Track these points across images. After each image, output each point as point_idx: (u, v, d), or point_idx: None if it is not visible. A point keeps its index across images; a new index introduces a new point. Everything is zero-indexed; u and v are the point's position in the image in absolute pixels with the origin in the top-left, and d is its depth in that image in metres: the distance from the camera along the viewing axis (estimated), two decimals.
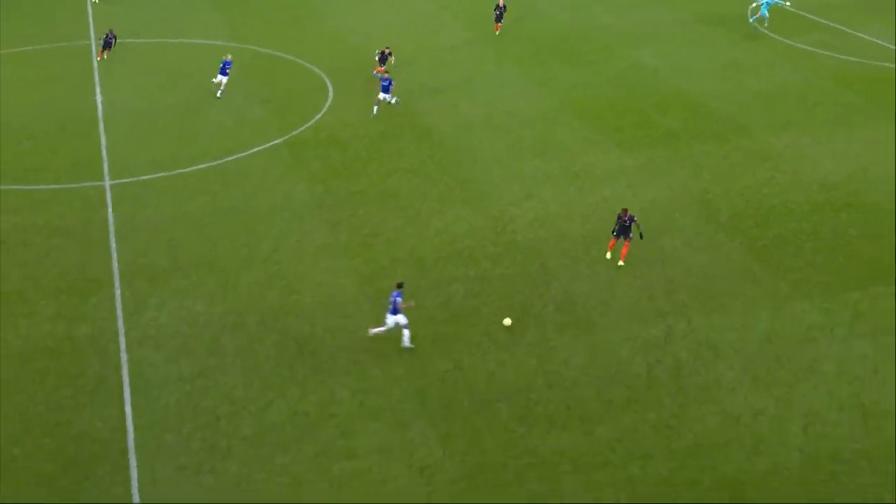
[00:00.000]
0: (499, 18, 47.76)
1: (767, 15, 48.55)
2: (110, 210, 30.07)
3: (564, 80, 41.64)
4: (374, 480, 19.71)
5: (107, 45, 43.43)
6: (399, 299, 23.28)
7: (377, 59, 40.75)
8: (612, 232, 26.99)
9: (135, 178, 32.19)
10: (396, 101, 37.62)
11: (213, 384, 22.38)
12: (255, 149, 34.51)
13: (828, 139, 35.24)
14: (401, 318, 23.41)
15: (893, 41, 46.16)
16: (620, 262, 26.88)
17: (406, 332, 23.49)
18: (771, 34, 47.73)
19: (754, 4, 50.43)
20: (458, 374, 22.73)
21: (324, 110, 38.12)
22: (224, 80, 38.88)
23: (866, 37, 47.09)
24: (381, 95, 37.27)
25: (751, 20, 48.93)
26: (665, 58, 44.65)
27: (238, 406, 21.70)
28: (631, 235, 26.72)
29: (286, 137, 35.47)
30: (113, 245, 28.07)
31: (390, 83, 37.10)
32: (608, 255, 27.17)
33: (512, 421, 21.20)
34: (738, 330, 24.09)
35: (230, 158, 33.70)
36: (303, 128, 36.42)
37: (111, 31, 43.78)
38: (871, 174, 32.28)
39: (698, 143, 35.08)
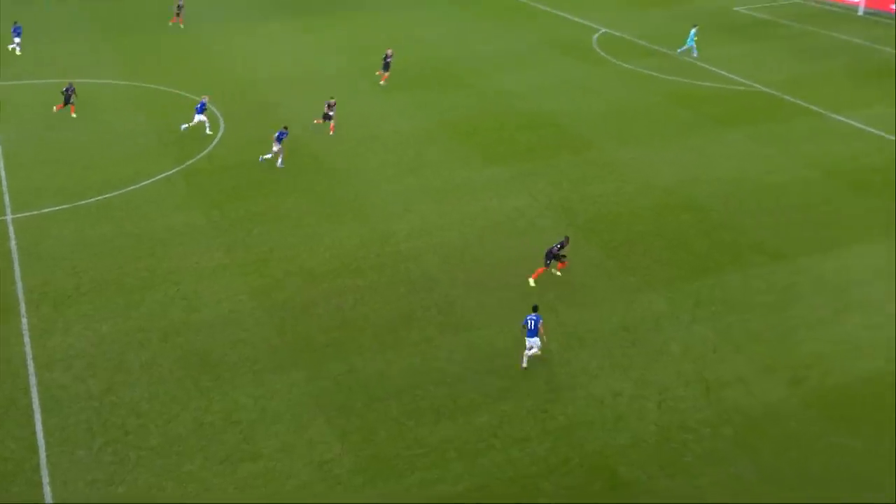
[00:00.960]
0: (386, 67, 44.57)
1: (693, 46, 49.06)
2: (13, 241, 28.46)
3: (440, 104, 41.75)
4: (278, 478, 19.18)
5: (67, 98, 38.61)
6: (539, 321, 21.92)
7: (326, 108, 37.46)
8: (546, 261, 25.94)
9: (37, 211, 30.58)
10: (281, 163, 33.97)
11: (121, 400, 21.39)
12: (154, 178, 33.30)
13: (666, 150, 36.37)
14: (536, 341, 22.01)
15: (716, 65, 48.04)
16: (531, 281, 26.04)
17: (530, 353, 22.06)
18: (612, 59, 49.04)
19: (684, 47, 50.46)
20: (351, 375, 22.38)
21: (216, 140, 37.10)
22: (198, 119, 36.58)
23: (694, 61, 48.89)
24: (276, 145, 33.78)
25: (679, 50, 49.58)
26: (523, 82, 45.30)
27: (145, 419, 20.79)
28: (549, 263, 25.94)
29: (182, 167, 34.35)
30: (17, 274, 26.56)
31: (284, 135, 33.92)
32: (531, 281, 26.03)
33: (402, 415, 20.98)
34: (597, 321, 24.52)
35: (129, 189, 32.41)
36: (197, 157, 35.34)
37: (70, 84, 39.35)
38: (702, 179, 33.45)
39: (555, 156, 35.68)
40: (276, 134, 34.34)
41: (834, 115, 40.03)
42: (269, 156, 34.34)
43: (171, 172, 33.80)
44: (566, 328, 24.21)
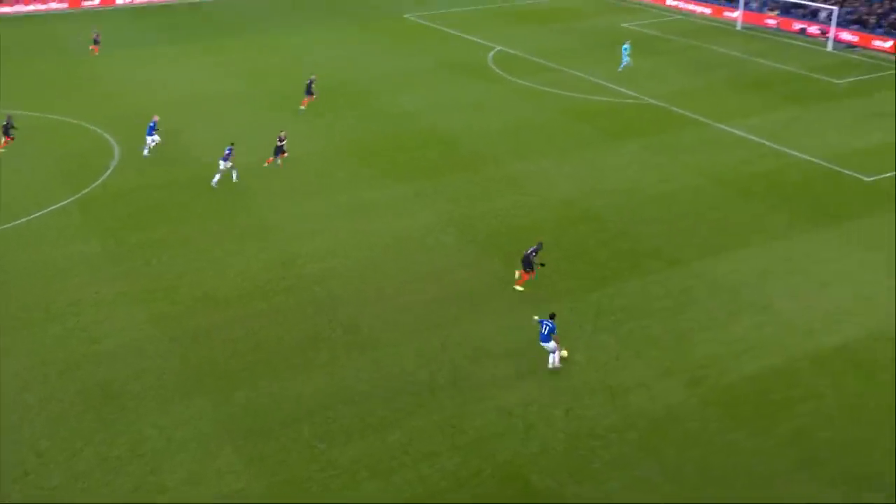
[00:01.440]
0: (309, 92, 43.60)
1: (629, 61, 50.65)
2: None
3: (343, 125, 41.55)
4: None
5: (6, 132, 36.91)
6: (552, 326, 22.67)
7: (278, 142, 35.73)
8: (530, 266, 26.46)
9: None
10: (236, 176, 34.21)
11: (20, 438, 20.40)
12: (48, 209, 32.03)
13: (563, 163, 37.10)
14: (551, 344, 22.74)
15: (605, 79, 49.37)
16: (518, 287, 26.53)
17: (555, 355, 22.88)
18: (508, 76, 49.83)
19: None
20: (259, 400, 21.94)
21: (111, 168, 35.99)
22: (150, 140, 36.71)
23: (586, 76, 50.15)
24: (222, 164, 33.70)
25: (620, 69, 50.76)
26: (422, 100, 45.57)
27: (45, 458, 19.88)
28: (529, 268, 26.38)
29: (77, 196, 33.17)
30: None
31: (231, 152, 33.77)
32: (518, 288, 26.52)
33: (313, 438, 20.67)
34: (503, 333, 24.73)
35: (23, 220, 31.08)
36: (92, 186, 34.20)
37: (9, 117, 37.57)
38: (599, 190, 34.24)
39: (456, 173, 35.95)
40: (225, 152, 34.15)
41: (718, 125, 41.63)
42: (218, 177, 34.19)
43: (66, 202, 32.61)
44: (472, 341, 24.34)
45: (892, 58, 54.63)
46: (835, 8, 58.12)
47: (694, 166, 36.57)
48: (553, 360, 23.00)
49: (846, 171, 35.88)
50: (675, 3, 71.01)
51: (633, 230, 30.83)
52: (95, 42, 55.26)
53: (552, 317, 23.18)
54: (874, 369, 23.03)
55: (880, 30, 57.61)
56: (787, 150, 38.29)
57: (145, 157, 36.81)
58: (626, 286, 27.16)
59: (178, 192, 33.85)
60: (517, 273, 27.11)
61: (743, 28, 62.39)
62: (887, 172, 35.74)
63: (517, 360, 23.53)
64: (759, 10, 64.84)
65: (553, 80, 49.29)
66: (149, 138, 36.94)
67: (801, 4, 62.94)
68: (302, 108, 43.63)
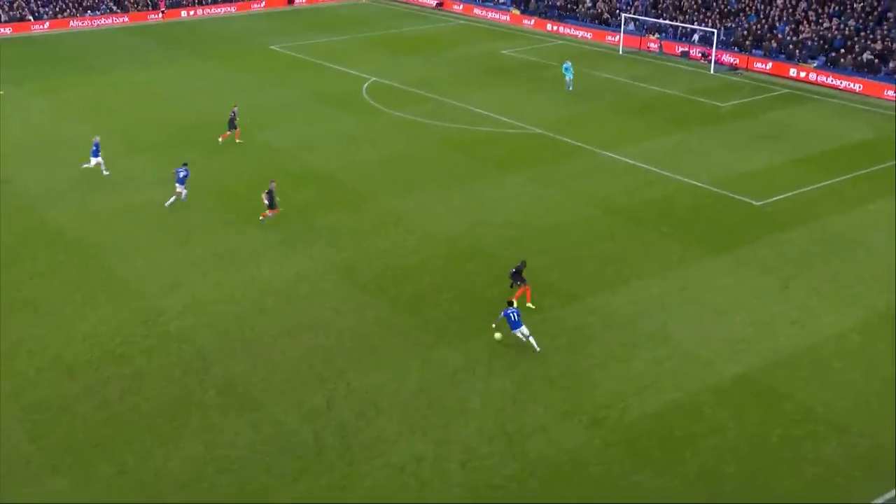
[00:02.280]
0: (232, 125, 43.59)
1: (571, 78, 53.93)
2: None
3: (200, 166, 40.89)
4: None
5: None
6: (516, 314, 25.63)
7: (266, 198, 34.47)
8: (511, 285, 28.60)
9: None
10: (186, 196, 36.02)
11: None
12: None
13: (446, 197, 37.64)
14: (524, 329, 25.83)
15: (486, 108, 50.57)
16: (529, 304, 28.40)
17: (532, 340, 25.89)
18: (383, 108, 50.37)
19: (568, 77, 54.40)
20: (124, 476, 21.13)
21: None
22: (95, 161, 39.23)
23: (466, 106, 51.22)
24: (178, 188, 35.77)
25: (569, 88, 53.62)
26: (291, 136, 45.48)
27: None
28: (522, 282, 28.44)
29: None
30: None
31: (187, 174, 35.80)
32: (530, 305, 28.30)
33: None
34: (393, 384, 24.72)
35: None
36: None
37: None
38: (486, 224, 34.87)
39: (333, 213, 35.94)
40: (181, 174, 35.80)
41: (605, 153, 43.21)
42: (173, 199, 35.94)
43: None
44: (358, 395, 24.21)
45: (774, 79, 58.18)
46: (714, 30, 61.57)
47: (583, 196, 37.76)
48: (533, 342, 25.90)
49: (736, 196, 37.80)
50: (554, 29, 73.64)
51: (528, 265, 31.44)
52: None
53: (510, 304, 26.28)
54: (775, 398, 24.17)
55: (759, 51, 61.32)
56: (676, 176, 40.06)
57: (106, 175, 39.30)
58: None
59: (14, 248, 32.50)
60: (517, 293, 28.37)
61: (625, 52, 65.20)
62: (776, 195, 37.85)
63: (408, 411, 23.53)
64: (640, 33, 67.98)
65: (431, 110, 50.12)
66: (93, 159, 39.25)
67: (681, 27, 66.38)
68: (220, 140, 43.82)
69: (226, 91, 54.50)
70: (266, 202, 34.54)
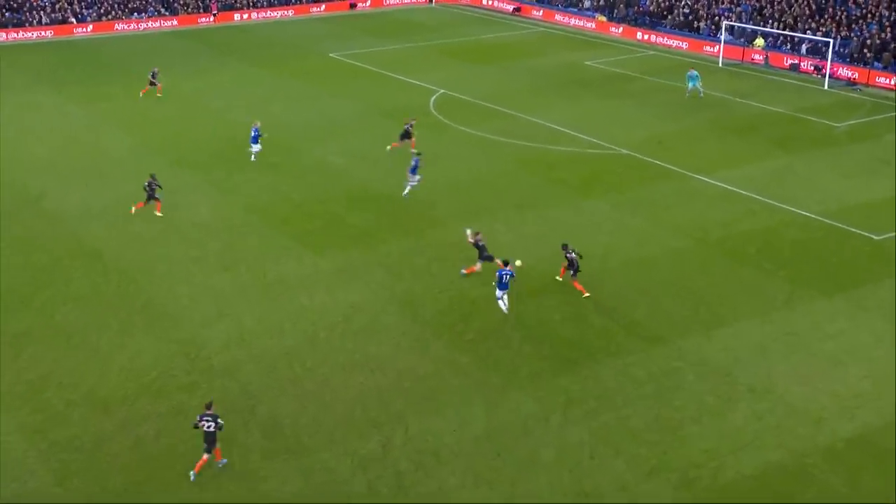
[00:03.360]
0: (407, 136, 45.11)
1: (698, 87, 55.51)
2: None
3: (248, 186, 41.67)
4: None
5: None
6: (508, 276, 29.88)
7: None
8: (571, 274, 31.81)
9: None
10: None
11: None
12: None
13: (519, 223, 37.66)
14: (505, 296, 30.05)
15: (566, 125, 50.58)
16: (585, 294, 31.22)
17: (504, 304, 30.18)
18: (452, 124, 50.75)
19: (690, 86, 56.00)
20: None
21: None
22: (256, 148, 43.82)
23: (544, 122, 51.31)
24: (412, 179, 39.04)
25: (688, 94, 55.65)
26: (350, 153, 46.07)
27: None
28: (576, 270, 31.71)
29: None
30: None
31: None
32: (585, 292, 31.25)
33: None
34: (456, 431, 24.71)
35: None
36: None
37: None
38: (561, 254, 34.63)
39: (395, 239, 36.22)
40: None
41: (700, 177, 42.82)
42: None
43: None
44: (416, 442, 24.26)
45: None
46: (829, 40, 60.74)
47: (675, 226, 37.44)
48: (504, 305, 30.04)
49: (852, 229, 37.09)
50: (646, 38, 73.49)
51: (607, 303, 31.28)
52: (153, 80, 56.13)
53: (506, 264, 30.22)
54: None
55: (881, 64, 60.25)
56: (782, 205, 39.49)
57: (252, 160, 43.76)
58: (600, 370, 27.45)
59: (50, 270, 33.43)
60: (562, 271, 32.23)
61: (725, 64, 64.71)
62: None
63: (472, 462, 23.49)
64: (745, 44, 67.42)
65: (506, 127, 50.31)
66: (253, 146, 43.62)
67: (791, 36, 65.66)
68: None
69: (278, 102, 55.48)
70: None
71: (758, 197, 40.47)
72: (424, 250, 35.32)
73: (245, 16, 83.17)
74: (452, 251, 35.12)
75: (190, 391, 26.38)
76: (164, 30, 78.96)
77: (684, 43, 70.58)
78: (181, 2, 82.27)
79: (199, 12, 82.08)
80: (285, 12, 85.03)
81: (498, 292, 30.09)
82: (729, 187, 41.63)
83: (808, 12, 67.46)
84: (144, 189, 37.91)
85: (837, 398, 26.12)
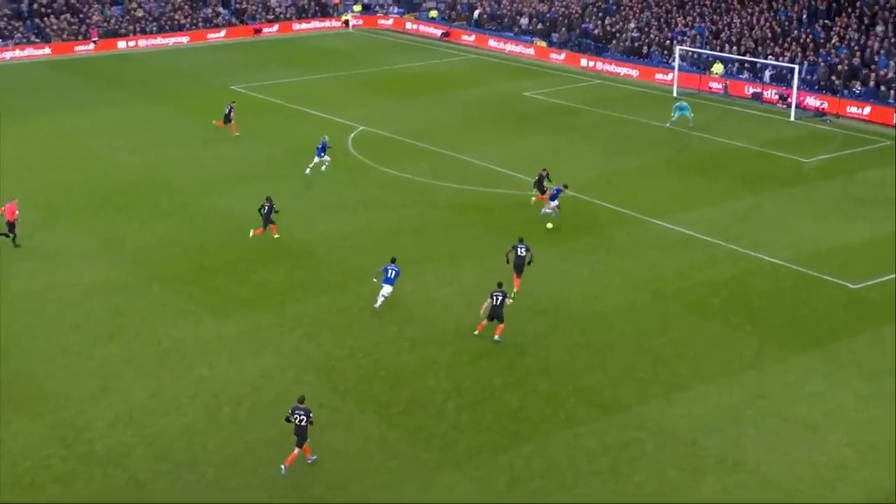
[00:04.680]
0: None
1: (689, 116, 57.09)
2: None
3: (137, 239, 41.21)
4: None
5: None
6: (394, 272, 34.16)
7: None
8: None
9: None
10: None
11: None
12: None
13: (454, 277, 37.71)
14: (390, 288, 34.10)
15: (504, 164, 51.02)
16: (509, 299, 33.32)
17: (385, 296, 34.19)
18: (375, 165, 50.90)
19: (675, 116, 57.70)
20: None
21: None
22: (318, 159, 48.77)
23: (477, 161, 51.68)
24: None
25: (669, 124, 57.39)
26: (257, 201, 45.74)
27: None
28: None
29: None
30: None
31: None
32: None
33: None
34: None
35: None
36: None
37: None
38: (512, 309, 34.81)
39: (310, 297, 36.02)
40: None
41: (657, 221, 43.42)
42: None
43: None
44: None
45: (873, 127, 58.66)
46: (795, 66, 62.37)
47: (630, 277, 37.82)
48: (379, 302, 33.99)
49: (826, 277, 37.82)
50: (590, 65, 74.81)
51: (556, 364, 31.38)
52: (228, 116, 56.35)
53: (393, 261, 34.49)
54: None
55: (854, 92, 62.02)
56: (748, 252, 40.17)
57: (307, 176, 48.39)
58: (548, 442, 27.43)
59: None
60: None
61: (680, 94, 66.05)
62: (878, 277, 37.84)
63: None
64: (701, 71, 68.98)
65: (435, 167, 50.58)
66: (317, 158, 48.75)
67: (752, 62, 67.32)
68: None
69: (175, 141, 55.22)
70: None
71: (721, 243, 41.13)
72: (345, 309, 35.15)
73: (131, 43, 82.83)
74: (379, 309, 34.99)
75: (66, 483, 25.73)
76: (34, 59, 78.34)
77: (634, 70, 72.00)
78: (54, 27, 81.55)
79: (77, 39, 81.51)
80: (179, 39, 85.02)
81: (382, 287, 34.31)
82: (688, 232, 42.26)
83: (770, 35, 69.34)
84: (259, 212, 40.84)
85: (816, 468, 26.40)
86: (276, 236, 40.87)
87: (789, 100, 61.93)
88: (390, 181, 48.75)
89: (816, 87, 63.54)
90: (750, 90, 65.73)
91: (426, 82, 70.97)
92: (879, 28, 66.30)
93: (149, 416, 28.66)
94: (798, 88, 61.74)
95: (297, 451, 25.97)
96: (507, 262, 35.96)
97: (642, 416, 28.70)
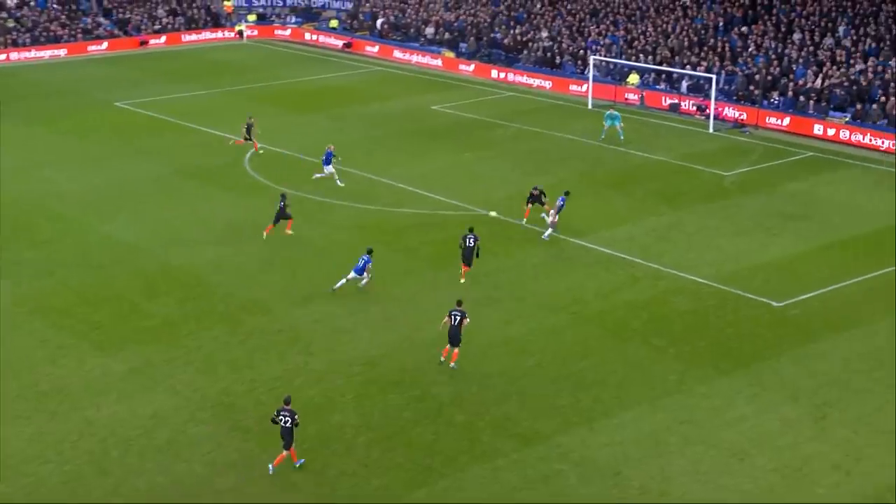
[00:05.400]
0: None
1: (619, 128, 57.59)
2: None
3: (12, 270, 40.38)
4: None
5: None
6: (369, 262, 37.79)
7: None
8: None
9: None
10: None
11: None
12: None
13: (361, 305, 37.58)
14: (365, 276, 37.96)
15: (412, 182, 51.14)
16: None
17: (352, 280, 37.81)
18: (274, 185, 50.63)
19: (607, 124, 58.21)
20: None
21: None
22: (327, 171, 50.08)
23: (382, 179, 51.71)
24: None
25: (603, 136, 57.83)
26: (147, 226, 45.26)
27: None
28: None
29: None
30: None
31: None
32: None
33: None
34: None
35: None
36: None
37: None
38: (416, 342, 34.84)
39: (205, 329, 35.61)
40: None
41: (574, 240, 43.77)
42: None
43: None
44: None
45: (793, 139, 60.00)
46: (712, 76, 63.58)
47: (547, 299, 38.07)
48: (364, 282, 38.07)
49: (749, 295, 38.50)
50: (502, 76, 75.42)
51: (470, 395, 31.43)
52: (248, 132, 55.56)
53: (370, 252, 37.95)
54: None
55: (772, 102, 63.41)
56: (669, 270, 40.73)
57: (340, 186, 49.85)
58: (465, 477, 27.44)
59: None
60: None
61: (596, 106, 66.82)
62: (803, 294, 38.63)
63: None
64: (618, 81, 69.95)
65: (337, 187, 50.44)
66: (326, 169, 49.96)
67: (669, 72, 68.47)
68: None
69: (53, 164, 54.29)
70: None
71: (640, 261, 41.65)
72: (244, 341, 34.84)
73: (2, 56, 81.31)
74: (280, 340, 34.73)
75: None
76: None
77: (547, 82, 72.74)
78: None
79: None
80: (56, 52, 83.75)
81: (354, 276, 37.87)
82: (606, 251, 42.72)
83: (686, 44, 70.63)
84: (280, 209, 43.38)
85: (743, 496, 26.78)
86: (290, 233, 43.62)
87: (707, 111, 63.07)
88: (292, 201, 48.42)
89: (734, 98, 64.79)
90: (667, 101, 66.80)
91: (327, 96, 70.82)
92: (797, 36, 67.95)
93: (26, 464, 28.04)
94: (716, 99, 62.88)
95: (284, 452, 27.31)
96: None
97: (564, 447, 28.89)
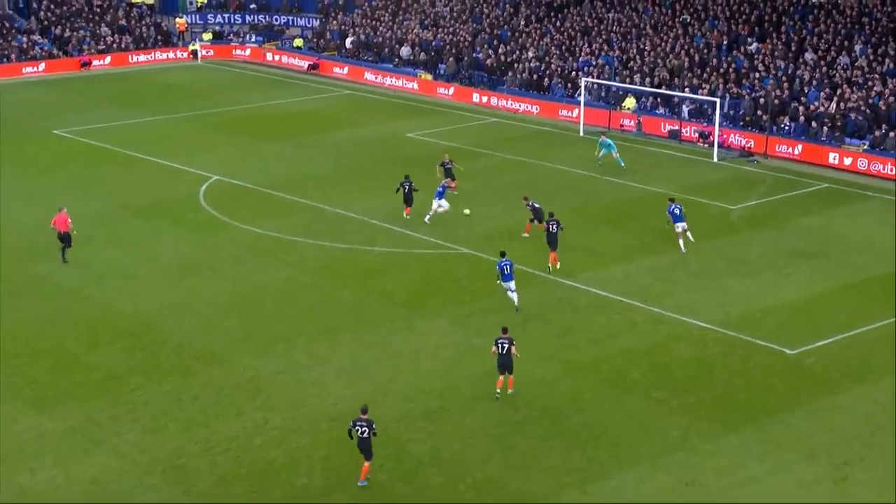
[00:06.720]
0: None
1: (616, 156, 58.19)
2: None
3: None
4: None
5: None
6: (508, 267, 40.00)
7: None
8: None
9: None
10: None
11: None
12: None
13: (328, 353, 37.44)
14: (512, 284, 40.05)
15: (385, 218, 51.13)
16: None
17: (514, 297, 40.23)
18: (233, 221, 50.54)
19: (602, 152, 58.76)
20: None
21: None
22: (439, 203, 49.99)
23: (353, 215, 51.67)
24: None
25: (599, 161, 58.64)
26: (89, 268, 45.06)
27: None
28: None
29: None
30: None
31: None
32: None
33: None
34: None
35: None
36: None
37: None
38: (392, 394, 34.71)
39: (153, 383, 35.42)
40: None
41: (565, 281, 43.79)
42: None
43: None
44: None
45: (805, 168, 60.18)
46: (716, 99, 63.81)
47: (535, 347, 37.96)
48: (515, 298, 40.01)
49: (759, 342, 38.50)
50: (484, 100, 75.65)
51: (450, 454, 31.28)
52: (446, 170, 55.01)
53: (503, 254, 40.29)
54: None
55: (782, 129, 63.63)
56: (671, 314, 40.74)
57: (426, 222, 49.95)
58: None
59: None
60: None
61: (588, 133, 67.05)
62: (818, 340, 38.61)
63: None
64: (612, 106, 70.20)
65: (305, 223, 50.43)
66: (435, 202, 49.70)
67: (669, 95, 68.73)
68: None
69: None
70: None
71: (640, 305, 41.66)
72: (197, 395, 34.66)
73: None
74: (238, 394, 34.55)
75: None
76: None
77: (534, 106, 73.05)
78: None
79: None
80: None
81: (505, 286, 40.10)
82: (601, 293, 42.74)
83: (687, 64, 70.88)
84: (402, 191, 50.18)
85: None
86: (407, 217, 50.22)
87: (711, 138, 63.22)
88: (251, 241, 48.38)
89: (741, 124, 64.96)
90: (666, 127, 66.98)
91: (292, 123, 70.88)
92: (809, 55, 68.25)
93: None
94: (720, 125, 63.03)
95: (367, 463, 29.37)
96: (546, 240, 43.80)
97: None
